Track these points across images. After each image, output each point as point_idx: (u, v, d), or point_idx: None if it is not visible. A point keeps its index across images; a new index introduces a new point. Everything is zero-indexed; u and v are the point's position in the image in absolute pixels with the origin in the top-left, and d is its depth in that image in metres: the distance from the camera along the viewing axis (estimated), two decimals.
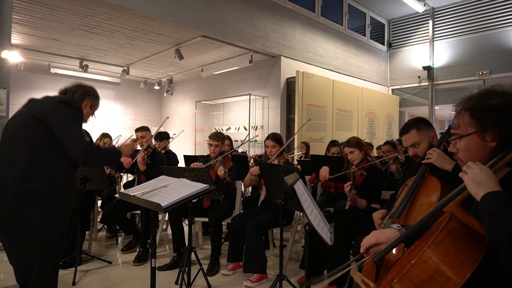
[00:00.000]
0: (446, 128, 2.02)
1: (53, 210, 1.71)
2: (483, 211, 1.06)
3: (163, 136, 4.86)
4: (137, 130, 4.11)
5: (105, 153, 1.97)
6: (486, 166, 1.14)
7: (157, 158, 3.96)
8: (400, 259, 1.35)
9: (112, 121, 9.31)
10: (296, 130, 6.59)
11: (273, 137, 3.51)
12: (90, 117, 2.12)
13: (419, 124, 2.14)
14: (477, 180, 1.08)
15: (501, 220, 0.98)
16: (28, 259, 1.69)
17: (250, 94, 7.25)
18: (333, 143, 4.32)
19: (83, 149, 1.72)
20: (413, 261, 1.15)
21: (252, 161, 5.09)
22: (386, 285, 1.22)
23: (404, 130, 2.18)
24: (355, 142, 3.00)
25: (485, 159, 1.17)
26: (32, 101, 1.85)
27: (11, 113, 4.03)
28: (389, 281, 1.23)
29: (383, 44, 9.95)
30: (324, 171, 3.16)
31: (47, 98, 1.84)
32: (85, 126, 2.02)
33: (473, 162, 1.13)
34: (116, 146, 6.52)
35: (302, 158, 5.54)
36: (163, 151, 4.59)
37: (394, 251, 1.57)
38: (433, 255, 1.12)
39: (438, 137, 2.11)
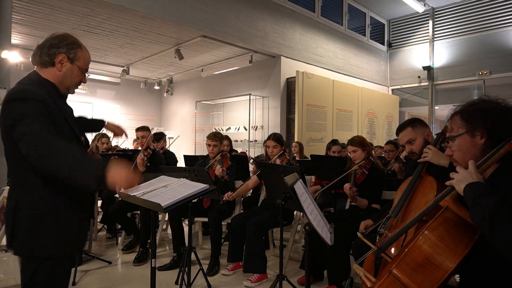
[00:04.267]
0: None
1: (41, 229, 1.44)
2: (467, 202, 1.17)
3: (160, 137, 4.94)
4: (137, 130, 4.13)
5: (75, 162, 1.33)
6: (477, 163, 1.26)
7: (156, 159, 3.99)
8: (398, 252, 1.40)
9: (112, 121, 9.31)
10: (299, 134, 6.58)
11: (274, 137, 3.50)
12: (82, 74, 1.60)
13: (414, 122, 2.23)
14: (460, 178, 1.23)
15: (481, 206, 1.09)
16: (23, 273, 1.50)
17: (250, 94, 7.25)
18: (334, 142, 4.39)
19: (32, 147, 1.32)
20: (410, 246, 1.22)
21: (251, 161, 5.10)
22: (385, 273, 1.27)
23: (399, 128, 2.28)
24: (358, 141, 3.00)
25: (476, 156, 1.29)
26: None
27: None
28: (388, 268, 1.28)
29: (383, 44, 9.95)
30: (312, 190, 3.20)
31: (4, 99, 1.43)
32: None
33: (460, 167, 1.26)
34: (113, 144, 6.46)
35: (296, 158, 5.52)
36: (161, 151, 4.61)
37: (392, 250, 1.59)
38: (428, 239, 1.21)
39: (434, 136, 2.15)
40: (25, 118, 1.34)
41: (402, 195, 1.81)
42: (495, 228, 1.04)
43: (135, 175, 1.42)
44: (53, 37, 1.52)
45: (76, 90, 1.66)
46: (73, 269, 3.14)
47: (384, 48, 9.96)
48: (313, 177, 4.21)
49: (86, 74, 1.63)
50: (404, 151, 2.36)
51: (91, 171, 1.35)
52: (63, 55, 1.51)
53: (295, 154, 5.74)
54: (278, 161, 3.39)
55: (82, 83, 1.65)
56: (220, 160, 3.56)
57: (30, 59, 1.56)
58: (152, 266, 1.98)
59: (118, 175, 1.34)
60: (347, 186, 2.72)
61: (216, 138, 3.67)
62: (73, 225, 1.53)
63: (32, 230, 1.43)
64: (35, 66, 1.54)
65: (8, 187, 3.10)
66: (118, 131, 1.97)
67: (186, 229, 3.29)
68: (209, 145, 3.66)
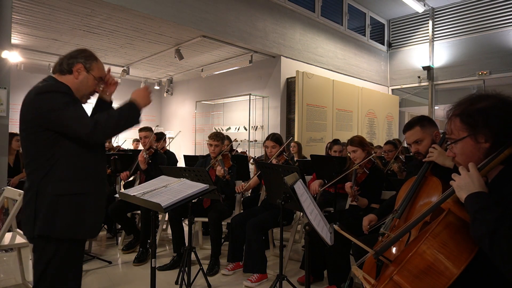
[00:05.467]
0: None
1: (62, 209, 1.59)
2: (468, 213, 1.12)
3: (160, 137, 4.96)
4: (140, 130, 4.13)
5: (118, 115, 1.70)
6: (479, 165, 1.20)
7: (158, 159, 4.00)
8: (399, 254, 1.37)
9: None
10: (298, 133, 6.57)
11: (273, 138, 3.52)
12: (96, 83, 1.82)
13: (423, 121, 2.16)
14: (461, 185, 1.16)
15: (481, 221, 1.04)
16: (40, 258, 1.61)
17: (250, 94, 7.25)
18: (335, 141, 4.39)
19: (93, 125, 1.58)
20: (411, 252, 1.18)
21: (251, 161, 5.10)
22: (386, 278, 1.24)
23: (408, 126, 2.20)
24: (358, 141, 3.00)
25: (480, 160, 1.22)
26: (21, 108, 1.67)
27: (11, 113, 4.04)
28: (389, 274, 1.25)
29: (383, 44, 9.95)
30: (314, 185, 3.18)
31: (27, 97, 1.63)
32: None
33: (462, 167, 1.20)
34: (114, 145, 6.51)
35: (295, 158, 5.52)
36: (161, 151, 4.61)
37: (394, 250, 1.58)
38: (431, 246, 1.16)
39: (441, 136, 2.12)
40: (66, 106, 1.57)
41: (406, 196, 1.79)
42: (494, 246, 1.00)
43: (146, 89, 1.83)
44: (74, 50, 1.77)
45: None
46: None
47: (384, 48, 9.96)
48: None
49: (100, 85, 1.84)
50: (411, 152, 2.31)
51: (131, 111, 1.75)
52: (81, 65, 1.72)
53: (293, 154, 5.74)
54: (274, 161, 3.39)
55: (96, 93, 1.87)
56: (222, 160, 3.56)
57: (51, 69, 1.78)
58: (152, 266, 1.98)
59: (138, 93, 1.80)
60: (348, 185, 2.72)
61: (218, 138, 3.67)
62: (90, 209, 1.67)
63: (55, 212, 1.57)
64: (53, 74, 1.74)
65: (7, 187, 3.10)
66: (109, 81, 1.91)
67: (186, 229, 3.29)
68: (210, 145, 3.67)
